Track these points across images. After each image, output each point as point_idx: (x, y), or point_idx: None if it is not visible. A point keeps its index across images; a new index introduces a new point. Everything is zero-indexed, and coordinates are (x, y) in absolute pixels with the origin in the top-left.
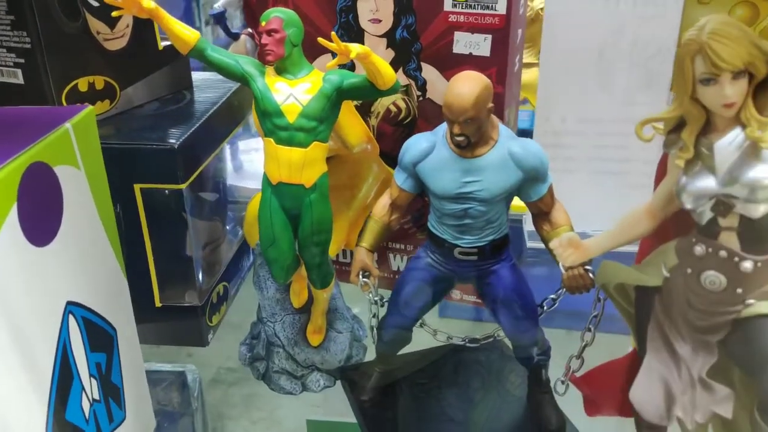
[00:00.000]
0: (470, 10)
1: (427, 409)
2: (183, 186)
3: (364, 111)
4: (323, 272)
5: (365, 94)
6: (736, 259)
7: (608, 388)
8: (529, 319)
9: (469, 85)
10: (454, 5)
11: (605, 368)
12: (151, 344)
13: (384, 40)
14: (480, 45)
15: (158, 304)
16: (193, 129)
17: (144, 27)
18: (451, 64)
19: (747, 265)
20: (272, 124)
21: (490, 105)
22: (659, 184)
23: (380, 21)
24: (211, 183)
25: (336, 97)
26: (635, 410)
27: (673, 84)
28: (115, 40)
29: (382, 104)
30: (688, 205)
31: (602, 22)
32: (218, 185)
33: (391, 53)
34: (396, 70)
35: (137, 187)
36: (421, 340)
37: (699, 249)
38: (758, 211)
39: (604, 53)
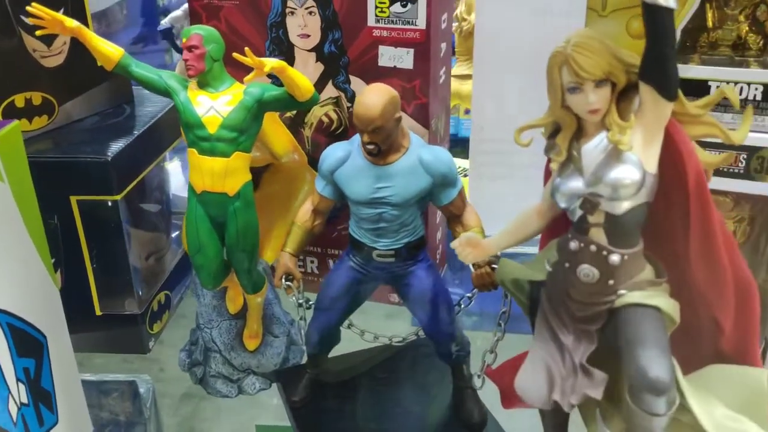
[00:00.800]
0: (392, 26)
1: (359, 408)
2: (118, 197)
3: (298, 122)
4: (253, 278)
5: (286, 106)
6: (605, 252)
7: None
8: (446, 317)
9: (375, 97)
10: (377, 21)
11: (516, 361)
12: (93, 352)
13: (313, 54)
14: (403, 58)
15: (98, 312)
16: (129, 141)
17: (82, 44)
18: (377, 77)
19: (615, 258)
20: (194, 136)
21: (398, 115)
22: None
23: (309, 36)
24: (153, 194)
25: (257, 109)
26: (519, 396)
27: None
28: (52, 57)
29: (315, 115)
30: (563, 204)
31: (531, 34)
32: (161, 196)
33: (320, 67)
34: (326, 83)
35: (73, 198)
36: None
37: (573, 244)
38: (621, 208)
39: (536, 64)
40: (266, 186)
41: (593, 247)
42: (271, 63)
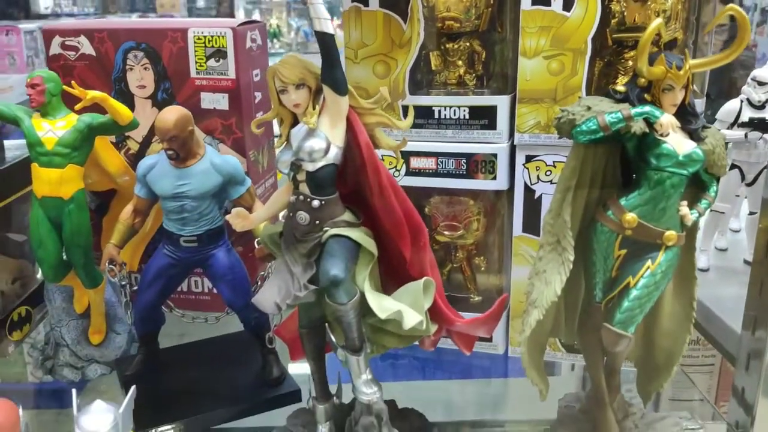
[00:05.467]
0: (209, 76)
1: (181, 377)
2: None
3: (142, 154)
4: (89, 272)
5: (112, 130)
6: (309, 199)
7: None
8: (243, 290)
9: (170, 114)
10: (198, 72)
11: (290, 318)
12: None
13: (149, 101)
14: (220, 101)
15: None
16: None
17: None
18: (202, 116)
19: (315, 203)
20: (36, 152)
21: (190, 128)
22: None
23: (145, 87)
24: (19, 225)
25: (87, 132)
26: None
27: None
28: None
29: (154, 150)
30: (284, 171)
31: None
32: (27, 228)
33: (156, 111)
34: None
35: None
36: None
37: (292, 198)
38: (315, 167)
39: None
40: (114, 210)
41: (302, 197)
42: (93, 94)
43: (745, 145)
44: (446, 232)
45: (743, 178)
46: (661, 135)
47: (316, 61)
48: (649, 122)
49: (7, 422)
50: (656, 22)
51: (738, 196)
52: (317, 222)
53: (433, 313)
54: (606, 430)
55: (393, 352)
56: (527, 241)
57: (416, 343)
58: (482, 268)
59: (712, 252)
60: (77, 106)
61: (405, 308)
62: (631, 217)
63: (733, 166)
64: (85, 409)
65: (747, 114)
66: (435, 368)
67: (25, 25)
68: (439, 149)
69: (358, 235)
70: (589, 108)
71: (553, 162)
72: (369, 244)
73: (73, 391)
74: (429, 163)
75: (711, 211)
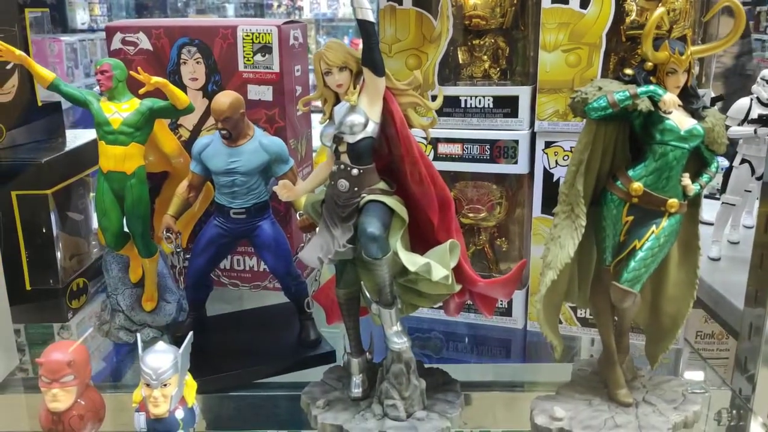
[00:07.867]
0: (256, 70)
1: (227, 338)
2: (48, 192)
3: (194, 140)
4: (146, 241)
5: (170, 113)
6: (349, 168)
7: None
8: (285, 258)
9: (224, 97)
10: (245, 66)
11: (328, 283)
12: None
13: (200, 92)
14: (265, 93)
15: (28, 287)
16: (58, 155)
17: (27, 87)
18: (248, 107)
19: (354, 171)
20: (103, 131)
21: (242, 110)
22: None
23: (197, 79)
24: (77, 205)
25: (149, 114)
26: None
27: None
28: (3, 95)
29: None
30: (327, 144)
31: None
32: (84, 210)
33: (206, 101)
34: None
35: (14, 194)
36: None
37: (334, 167)
38: (354, 139)
39: None
40: (165, 191)
41: (342, 166)
42: (156, 79)
43: (755, 140)
44: (470, 215)
45: (753, 172)
46: (665, 112)
47: None
48: (654, 101)
49: (81, 361)
50: (659, 11)
51: (749, 191)
52: (356, 189)
53: (458, 273)
54: (615, 387)
55: (418, 326)
56: (546, 221)
57: (442, 311)
58: (504, 249)
59: (724, 244)
60: (141, 91)
61: (433, 263)
62: (637, 185)
63: (743, 161)
64: (150, 348)
65: (756, 111)
66: (458, 341)
67: (66, 38)
68: (465, 136)
69: (391, 201)
70: (600, 88)
71: (570, 148)
72: (401, 210)
73: (138, 335)
74: (455, 149)
75: (723, 203)
